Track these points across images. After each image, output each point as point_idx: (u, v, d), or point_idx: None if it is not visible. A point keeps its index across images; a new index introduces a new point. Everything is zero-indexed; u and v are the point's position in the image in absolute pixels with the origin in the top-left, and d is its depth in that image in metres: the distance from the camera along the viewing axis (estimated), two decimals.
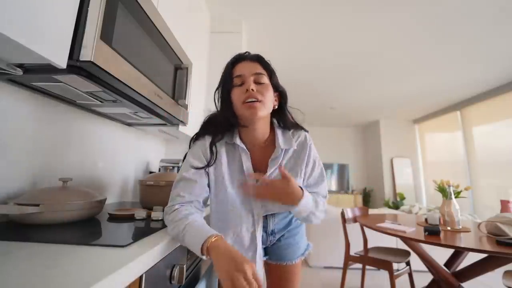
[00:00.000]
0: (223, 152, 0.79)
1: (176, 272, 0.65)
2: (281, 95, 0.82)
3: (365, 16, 2.19)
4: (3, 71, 0.59)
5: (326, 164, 6.40)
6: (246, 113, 0.72)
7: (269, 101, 0.75)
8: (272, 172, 0.78)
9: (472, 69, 3.15)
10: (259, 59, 0.78)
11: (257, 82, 0.74)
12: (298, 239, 0.89)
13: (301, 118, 0.86)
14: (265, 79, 0.75)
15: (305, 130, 0.85)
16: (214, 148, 0.76)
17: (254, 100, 0.71)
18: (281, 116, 0.83)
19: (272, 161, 0.78)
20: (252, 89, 0.71)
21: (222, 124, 0.77)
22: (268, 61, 0.80)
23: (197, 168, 0.75)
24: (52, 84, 0.73)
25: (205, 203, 0.79)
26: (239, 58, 0.79)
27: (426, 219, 1.77)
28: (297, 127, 0.84)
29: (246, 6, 2.10)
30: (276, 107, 0.81)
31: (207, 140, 0.78)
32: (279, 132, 0.81)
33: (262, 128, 0.79)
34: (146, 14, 0.86)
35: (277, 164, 0.78)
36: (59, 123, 0.95)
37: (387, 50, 2.76)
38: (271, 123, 0.83)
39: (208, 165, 0.76)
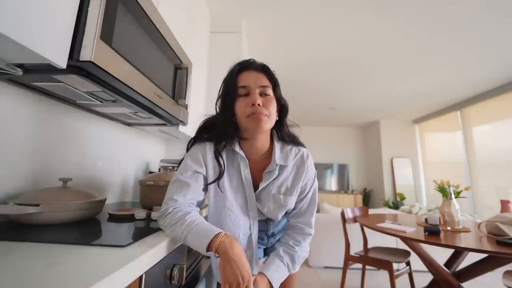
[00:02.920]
0: (224, 157, 0.77)
1: (176, 272, 0.65)
2: (282, 108, 0.81)
3: (365, 16, 2.19)
4: (3, 71, 0.59)
5: (326, 164, 6.41)
6: (251, 126, 0.72)
7: (274, 114, 0.75)
8: (267, 185, 0.78)
9: (472, 69, 3.15)
10: (264, 70, 0.77)
11: (262, 95, 0.73)
12: None
13: (299, 130, 0.86)
14: (270, 92, 0.75)
15: (303, 146, 0.85)
16: (221, 160, 0.75)
17: (260, 114, 0.71)
18: (280, 128, 0.82)
19: (266, 174, 0.78)
20: (258, 104, 0.71)
21: (223, 133, 0.76)
22: (273, 71, 0.79)
23: (196, 172, 0.74)
24: (52, 84, 0.73)
25: (199, 206, 0.78)
26: (244, 67, 0.77)
27: (426, 219, 1.77)
28: (295, 142, 0.83)
29: (246, 6, 2.10)
30: (277, 118, 0.80)
31: (208, 145, 0.77)
32: (277, 146, 0.80)
33: (262, 140, 0.79)
34: (146, 14, 0.86)
35: (272, 178, 0.77)
36: (59, 123, 0.95)
37: (387, 50, 2.76)
38: (271, 136, 0.83)
39: (217, 179, 0.75)
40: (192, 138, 0.82)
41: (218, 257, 0.60)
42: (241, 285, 0.56)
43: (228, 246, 0.59)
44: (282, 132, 0.82)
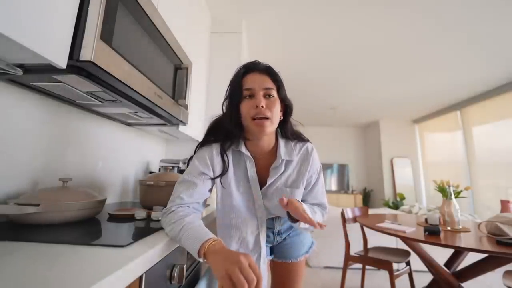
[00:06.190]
0: (230, 158, 0.80)
1: (176, 272, 0.65)
2: (287, 107, 0.83)
3: (366, 16, 2.20)
4: (3, 71, 0.59)
5: (326, 164, 6.41)
6: (255, 130, 0.74)
7: (277, 116, 0.77)
8: (274, 181, 0.80)
9: (472, 69, 3.15)
10: (268, 72, 0.79)
11: (266, 97, 0.75)
12: (302, 237, 0.92)
13: (303, 129, 0.88)
14: (274, 93, 0.77)
15: (308, 141, 0.87)
16: (225, 157, 0.78)
17: (263, 117, 0.72)
18: (284, 126, 0.84)
19: (273, 170, 0.80)
20: (262, 106, 0.72)
21: (229, 132, 0.78)
22: (278, 72, 0.80)
23: (202, 173, 0.75)
24: (52, 84, 0.73)
25: (203, 204, 0.79)
26: (249, 69, 0.79)
27: (426, 219, 1.77)
28: (299, 138, 0.85)
29: (246, 6, 2.10)
30: (282, 118, 0.82)
31: (214, 147, 0.78)
32: (282, 143, 0.82)
33: (267, 140, 0.80)
34: (146, 14, 0.86)
35: (278, 174, 0.80)
36: (59, 123, 0.95)
37: (387, 50, 2.76)
38: (276, 133, 0.85)
39: (221, 175, 0.77)
40: (200, 142, 0.83)
41: (207, 263, 0.56)
42: (241, 263, 0.49)
43: (216, 249, 0.55)
44: (286, 131, 0.84)
